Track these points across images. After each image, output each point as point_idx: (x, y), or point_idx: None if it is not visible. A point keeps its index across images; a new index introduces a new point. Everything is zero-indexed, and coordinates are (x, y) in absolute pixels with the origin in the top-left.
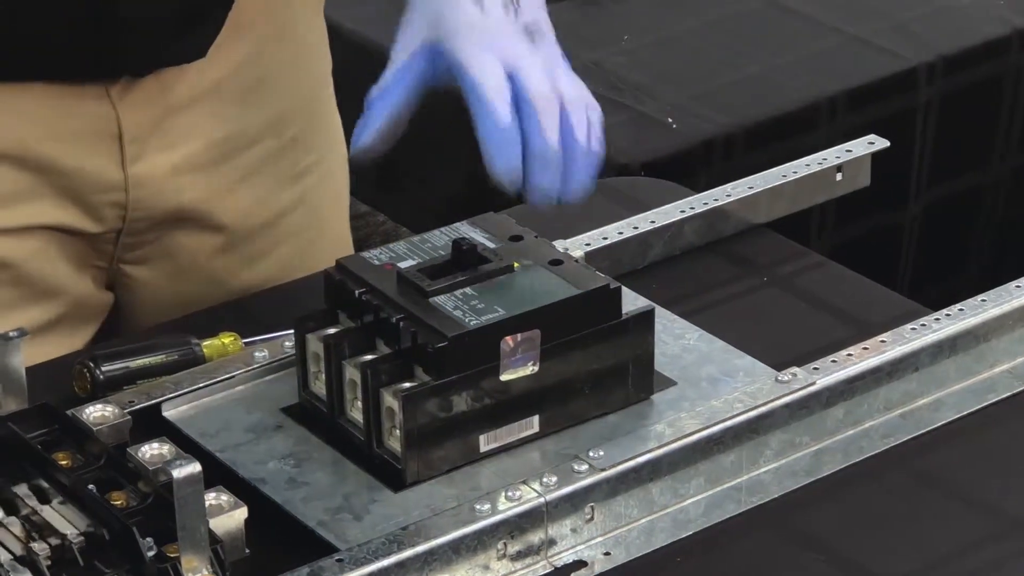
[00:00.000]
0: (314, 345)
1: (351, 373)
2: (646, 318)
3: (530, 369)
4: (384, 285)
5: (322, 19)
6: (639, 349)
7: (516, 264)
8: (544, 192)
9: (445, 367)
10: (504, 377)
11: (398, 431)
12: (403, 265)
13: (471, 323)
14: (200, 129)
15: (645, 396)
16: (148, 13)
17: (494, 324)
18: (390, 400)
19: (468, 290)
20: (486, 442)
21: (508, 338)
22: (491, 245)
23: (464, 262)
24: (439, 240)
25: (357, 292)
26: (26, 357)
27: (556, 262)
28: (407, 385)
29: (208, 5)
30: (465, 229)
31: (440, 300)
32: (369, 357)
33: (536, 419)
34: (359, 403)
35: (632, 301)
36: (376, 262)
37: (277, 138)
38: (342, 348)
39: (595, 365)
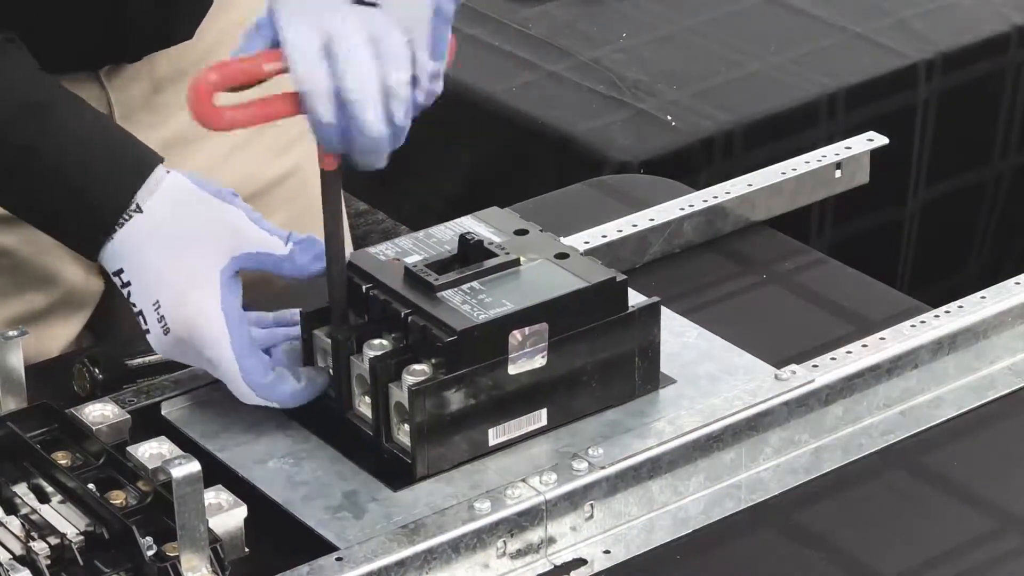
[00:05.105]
0: (321, 340)
1: (359, 368)
2: (652, 310)
3: (538, 362)
4: (391, 280)
5: None
6: (646, 341)
7: (522, 258)
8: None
9: (454, 361)
10: (512, 370)
11: (407, 426)
12: (409, 260)
13: (479, 317)
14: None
15: (652, 388)
16: (146, 6)
17: (502, 318)
18: (399, 395)
19: (475, 284)
20: (495, 435)
21: (516, 331)
22: (497, 239)
23: (470, 256)
24: (444, 235)
25: (364, 287)
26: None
27: (562, 255)
28: (416, 380)
29: None
30: (470, 224)
31: (447, 294)
32: (377, 352)
33: (544, 412)
34: (367, 398)
35: (632, 299)
36: (382, 257)
37: None
38: (350, 343)
39: (602, 358)
